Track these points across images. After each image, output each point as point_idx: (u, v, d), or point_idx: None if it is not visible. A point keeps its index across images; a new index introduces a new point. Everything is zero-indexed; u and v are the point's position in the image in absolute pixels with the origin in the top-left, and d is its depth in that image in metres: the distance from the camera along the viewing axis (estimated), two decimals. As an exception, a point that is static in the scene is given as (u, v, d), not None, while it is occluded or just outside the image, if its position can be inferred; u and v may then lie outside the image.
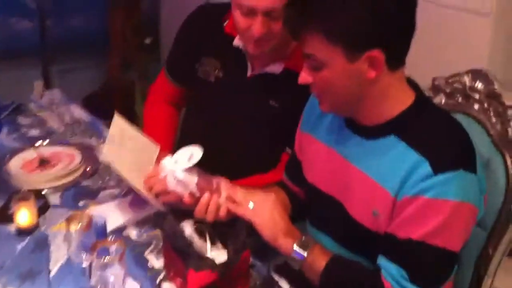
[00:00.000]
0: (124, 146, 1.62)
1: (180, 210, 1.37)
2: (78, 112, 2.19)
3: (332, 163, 1.36)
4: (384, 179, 1.24)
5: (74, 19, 3.53)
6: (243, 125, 1.71)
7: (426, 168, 1.17)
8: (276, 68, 1.66)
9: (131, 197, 1.64)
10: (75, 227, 1.29)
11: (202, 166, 1.51)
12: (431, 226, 1.16)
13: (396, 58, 1.21)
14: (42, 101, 2.27)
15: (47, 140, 1.96)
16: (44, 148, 1.90)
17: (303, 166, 1.47)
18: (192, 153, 1.36)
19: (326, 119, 1.40)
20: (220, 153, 1.74)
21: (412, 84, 1.29)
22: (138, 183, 1.52)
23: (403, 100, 1.26)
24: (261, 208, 1.31)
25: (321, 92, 1.26)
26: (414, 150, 1.20)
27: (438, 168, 1.16)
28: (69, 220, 1.32)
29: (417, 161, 1.18)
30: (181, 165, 1.34)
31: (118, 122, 1.66)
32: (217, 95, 1.75)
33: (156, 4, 3.80)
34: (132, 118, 2.30)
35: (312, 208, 1.49)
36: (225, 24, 1.73)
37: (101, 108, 3.55)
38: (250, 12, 1.52)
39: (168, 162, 1.36)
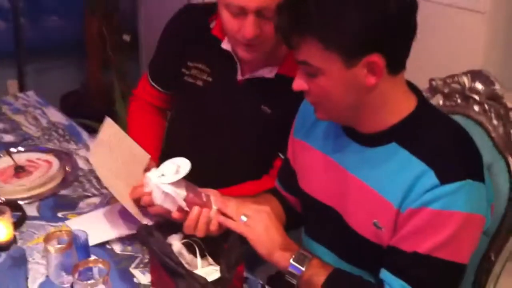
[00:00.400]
0: (113, 152, 1.53)
1: (168, 223, 1.28)
2: (55, 115, 2.09)
3: (329, 172, 1.30)
4: (386, 190, 1.17)
5: (50, 18, 3.46)
6: (234, 131, 1.63)
7: (431, 178, 1.10)
8: (268, 73, 1.56)
9: (114, 206, 1.56)
10: (53, 249, 1.19)
11: (190, 173, 1.44)
12: (439, 239, 1.10)
13: (396, 62, 1.14)
14: (16, 104, 2.16)
15: (23, 146, 1.86)
16: (19, 155, 1.79)
17: (298, 175, 1.41)
18: (179, 165, 1.27)
19: (321, 125, 1.34)
20: (209, 159, 1.68)
21: (413, 88, 1.22)
22: (122, 194, 1.44)
23: (404, 105, 1.19)
24: (255, 221, 1.23)
25: (316, 100, 1.19)
26: (418, 159, 1.13)
27: (444, 178, 1.09)
28: (47, 239, 1.22)
29: (422, 171, 1.12)
30: (168, 178, 1.25)
31: (109, 126, 1.56)
32: (206, 100, 1.66)
33: (134, 1, 3.70)
34: (113, 118, 2.21)
35: (308, 218, 1.43)
36: (211, 26, 1.64)
37: (80, 107, 3.50)
38: (240, 12, 1.42)
39: (154, 175, 1.27)
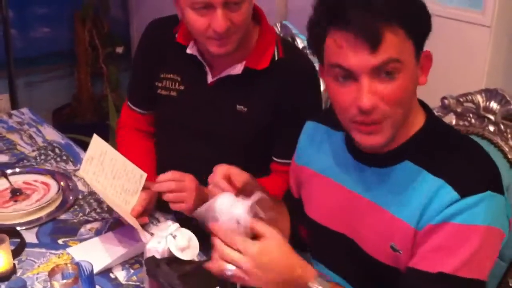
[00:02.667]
0: (104, 169, 1.50)
1: (175, 257, 1.23)
2: (51, 133, 2.03)
3: (338, 197, 1.25)
4: (401, 210, 1.13)
5: (40, 29, 3.39)
6: (216, 135, 1.61)
7: (450, 192, 1.07)
8: (236, 69, 1.55)
9: (115, 231, 1.51)
10: (59, 284, 1.13)
11: None
12: (463, 256, 1.06)
13: None
14: (10, 122, 2.09)
15: (19, 167, 1.80)
16: (15, 177, 1.73)
17: (304, 202, 1.36)
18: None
19: (326, 150, 1.29)
20: (200, 168, 1.61)
21: (420, 103, 1.19)
22: (121, 209, 1.43)
23: (415, 121, 1.16)
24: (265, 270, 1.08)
25: (388, 111, 1.06)
26: (433, 175, 1.10)
27: (464, 191, 1.06)
28: (52, 272, 1.16)
29: (438, 186, 1.08)
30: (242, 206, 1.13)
31: (98, 143, 1.54)
32: (181, 109, 1.64)
33: (126, 12, 3.65)
34: (106, 132, 2.16)
35: (317, 246, 1.38)
36: (176, 35, 1.62)
37: (72, 121, 3.44)
38: (207, 7, 1.41)
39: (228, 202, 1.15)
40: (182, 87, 1.63)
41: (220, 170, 1.26)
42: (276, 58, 1.56)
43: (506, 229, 1.13)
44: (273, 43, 1.57)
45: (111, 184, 1.48)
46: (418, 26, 1.06)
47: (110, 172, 1.49)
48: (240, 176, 1.26)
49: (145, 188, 1.48)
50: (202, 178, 1.59)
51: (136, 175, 1.47)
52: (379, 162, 1.17)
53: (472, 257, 1.06)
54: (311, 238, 1.39)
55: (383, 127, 1.08)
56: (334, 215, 1.27)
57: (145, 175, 1.46)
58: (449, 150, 1.13)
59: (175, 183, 1.44)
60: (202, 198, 1.38)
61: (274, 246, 1.09)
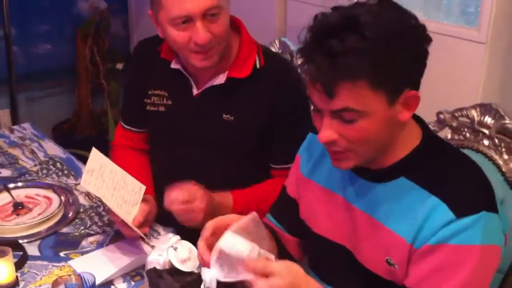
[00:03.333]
0: (105, 181, 1.53)
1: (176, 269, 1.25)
2: (53, 148, 2.05)
3: (337, 210, 1.27)
4: (398, 225, 1.15)
5: (42, 46, 3.42)
6: (207, 147, 1.64)
7: (446, 212, 1.08)
8: (219, 79, 1.60)
9: (117, 244, 1.53)
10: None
11: None
12: (462, 277, 1.07)
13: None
14: (12, 137, 2.12)
15: (21, 181, 1.82)
16: (17, 191, 1.75)
17: (303, 212, 1.38)
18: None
19: (327, 162, 1.30)
20: (194, 178, 1.64)
21: (416, 119, 1.21)
22: (124, 216, 1.46)
23: (411, 138, 1.18)
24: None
25: (349, 146, 1.12)
26: (429, 192, 1.11)
27: (459, 211, 1.07)
28: (56, 283, 1.18)
29: (433, 204, 1.10)
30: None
31: (97, 156, 1.57)
32: (170, 122, 1.68)
33: (126, 29, 3.69)
34: (106, 147, 2.18)
35: (315, 257, 1.40)
36: (160, 52, 1.67)
37: (73, 136, 3.46)
38: (187, 21, 1.46)
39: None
40: (169, 102, 1.68)
41: (211, 226, 1.17)
42: (258, 67, 1.60)
43: (502, 243, 1.15)
44: (254, 52, 1.62)
45: (112, 194, 1.50)
46: (390, 78, 1.05)
47: (111, 183, 1.52)
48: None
49: (144, 200, 1.51)
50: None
51: (136, 188, 1.50)
52: (377, 177, 1.19)
53: (471, 277, 1.08)
54: (310, 249, 1.40)
55: (348, 156, 1.13)
56: (333, 227, 1.29)
57: (143, 187, 1.50)
58: (445, 168, 1.14)
59: (183, 206, 1.44)
60: (214, 213, 1.37)
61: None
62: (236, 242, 1.07)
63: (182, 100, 1.66)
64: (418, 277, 1.11)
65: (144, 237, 1.47)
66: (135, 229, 1.46)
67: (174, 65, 1.64)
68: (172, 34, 1.50)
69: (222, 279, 1.08)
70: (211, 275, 1.08)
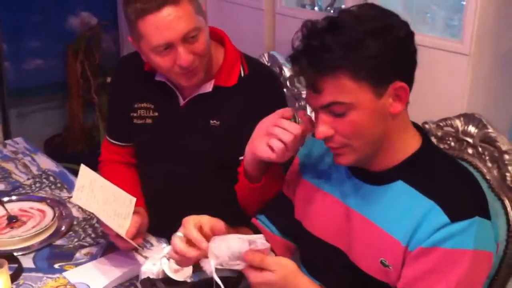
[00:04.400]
0: (96, 196, 1.55)
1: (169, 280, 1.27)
2: (46, 162, 2.07)
3: (333, 211, 1.30)
4: (393, 228, 1.18)
5: (33, 61, 3.46)
6: (196, 155, 1.66)
7: (441, 216, 1.11)
8: (206, 88, 1.64)
9: (110, 255, 1.55)
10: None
11: (177, 210, 1.45)
12: (454, 280, 1.10)
13: (409, 90, 1.17)
14: (5, 151, 2.14)
15: (14, 195, 1.84)
16: (11, 204, 1.77)
17: (298, 213, 1.40)
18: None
19: (324, 164, 1.35)
20: (188, 191, 1.70)
21: (416, 127, 1.26)
22: (117, 229, 1.48)
23: (411, 142, 1.22)
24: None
25: (345, 141, 1.17)
26: (425, 196, 1.15)
27: (454, 216, 1.11)
28: (52, 293, 1.20)
29: (429, 208, 1.13)
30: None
31: (86, 172, 1.59)
32: (158, 134, 1.70)
33: (117, 44, 3.73)
34: (97, 161, 2.21)
35: (308, 257, 1.41)
36: (144, 65, 1.70)
37: (64, 150, 3.48)
38: (168, 47, 1.50)
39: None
40: (156, 114, 1.70)
41: (192, 220, 1.22)
42: (243, 75, 1.65)
43: (494, 250, 1.18)
44: (238, 62, 1.67)
45: (103, 209, 1.52)
46: (370, 70, 1.11)
47: (101, 199, 1.54)
48: (211, 223, 1.23)
49: (135, 212, 1.53)
50: (190, 200, 1.65)
51: (126, 201, 1.52)
52: (374, 180, 1.23)
53: (462, 280, 1.11)
54: (303, 249, 1.43)
55: (345, 151, 1.19)
56: (328, 227, 1.32)
57: (134, 199, 1.51)
58: (442, 174, 1.18)
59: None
60: None
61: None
62: (227, 244, 1.14)
63: (169, 111, 1.69)
64: (410, 279, 1.14)
65: (139, 248, 1.50)
66: (129, 240, 1.48)
67: (158, 78, 1.67)
68: (156, 61, 1.54)
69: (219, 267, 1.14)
70: (210, 265, 1.14)
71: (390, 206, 1.19)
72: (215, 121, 1.64)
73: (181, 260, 1.22)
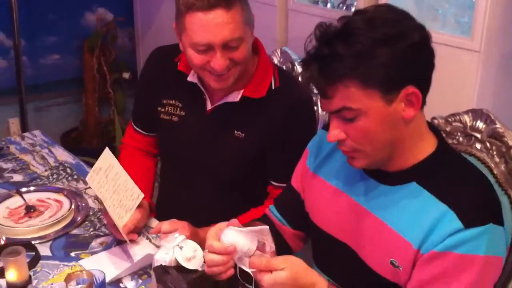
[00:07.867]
0: (108, 181, 1.59)
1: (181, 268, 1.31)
2: (63, 154, 2.12)
3: (344, 208, 1.31)
4: (405, 229, 1.18)
5: (50, 57, 3.52)
6: (214, 161, 1.68)
7: (454, 220, 1.12)
8: (234, 97, 1.62)
9: (124, 244, 1.59)
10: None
11: (187, 211, 1.56)
12: (464, 284, 1.11)
13: (425, 93, 1.17)
14: (23, 143, 2.19)
15: (32, 186, 1.89)
16: (29, 195, 1.82)
17: (309, 208, 1.42)
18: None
19: (336, 159, 1.35)
20: (201, 194, 1.73)
21: (432, 128, 1.25)
22: (115, 219, 1.52)
23: (426, 145, 1.22)
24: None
25: (356, 146, 1.17)
26: (439, 200, 1.15)
27: (468, 221, 1.11)
28: (68, 279, 1.24)
29: (443, 212, 1.13)
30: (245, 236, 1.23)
31: (108, 156, 1.62)
32: (182, 134, 1.71)
33: (132, 40, 3.77)
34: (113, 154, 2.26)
35: (318, 250, 1.43)
36: (178, 63, 1.70)
37: (80, 144, 3.53)
38: (207, 49, 1.49)
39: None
40: (183, 113, 1.71)
41: (211, 237, 1.26)
42: (273, 88, 1.63)
43: (505, 255, 1.19)
44: (270, 73, 1.64)
45: (110, 197, 1.56)
46: (379, 77, 1.10)
47: (112, 186, 1.57)
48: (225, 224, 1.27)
49: (138, 206, 1.55)
50: (201, 203, 1.70)
51: (134, 194, 1.54)
52: (388, 180, 1.23)
53: (473, 285, 1.12)
54: (313, 243, 1.44)
55: (358, 155, 1.20)
56: (338, 225, 1.32)
57: (142, 195, 1.53)
58: (456, 179, 1.18)
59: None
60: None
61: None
62: (237, 237, 1.19)
63: (195, 113, 1.69)
64: (420, 282, 1.15)
65: (129, 243, 1.53)
66: (124, 235, 1.51)
67: (191, 78, 1.66)
68: (191, 55, 1.53)
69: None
70: None
71: (403, 207, 1.19)
72: (239, 133, 1.63)
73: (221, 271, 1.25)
